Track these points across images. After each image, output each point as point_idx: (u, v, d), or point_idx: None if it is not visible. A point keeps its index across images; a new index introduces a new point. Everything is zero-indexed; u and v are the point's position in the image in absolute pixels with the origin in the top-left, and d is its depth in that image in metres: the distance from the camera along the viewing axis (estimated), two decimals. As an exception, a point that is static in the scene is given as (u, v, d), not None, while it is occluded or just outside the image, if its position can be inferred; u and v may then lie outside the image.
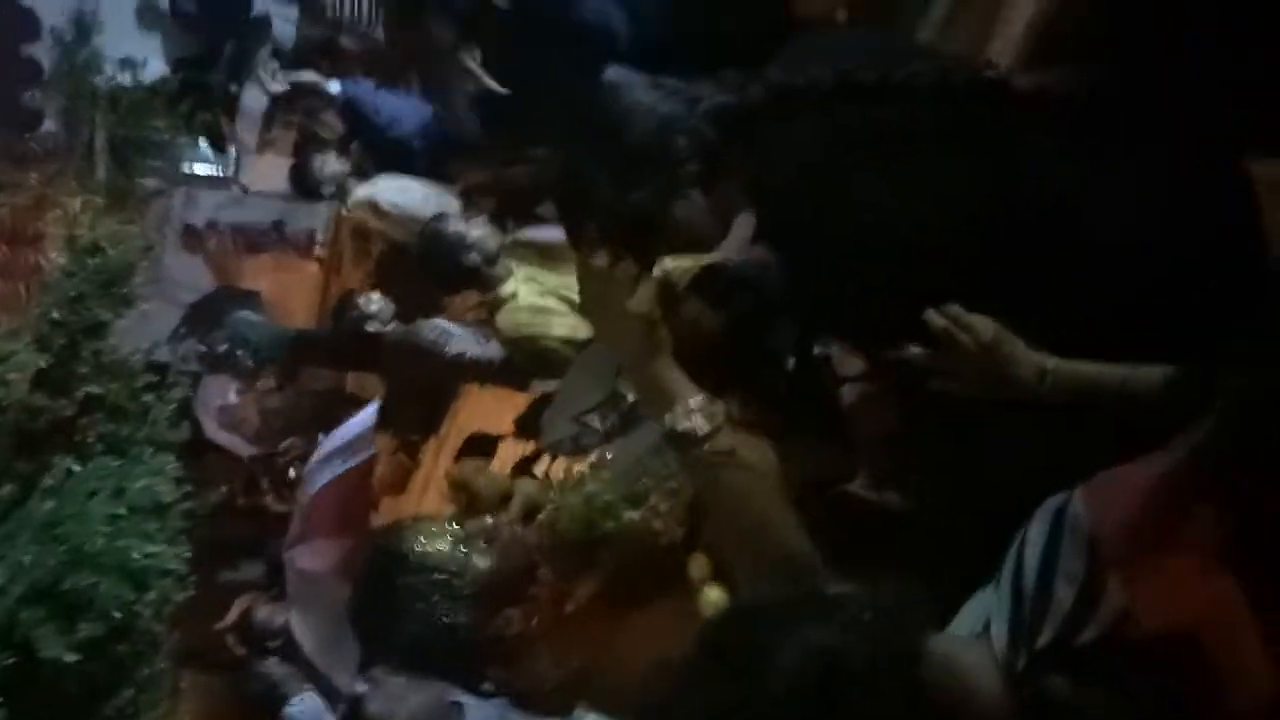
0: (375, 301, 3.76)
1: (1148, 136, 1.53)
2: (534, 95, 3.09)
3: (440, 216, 3.37)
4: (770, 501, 1.59)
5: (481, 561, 1.74)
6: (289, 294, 4.69)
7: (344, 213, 4.27)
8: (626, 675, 1.63)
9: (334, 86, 4.17)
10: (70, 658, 1.80)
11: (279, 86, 4.14)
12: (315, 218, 4.65)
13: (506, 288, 3.16)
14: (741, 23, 2.46)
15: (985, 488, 1.51)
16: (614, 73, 2.64)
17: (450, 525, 1.80)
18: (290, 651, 3.58)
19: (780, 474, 1.66)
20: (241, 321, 4.22)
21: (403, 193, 3.84)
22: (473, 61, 3.69)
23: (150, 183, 4.85)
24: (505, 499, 1.87)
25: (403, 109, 4.00)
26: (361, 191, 3.99)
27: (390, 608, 1.73)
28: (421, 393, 3.56)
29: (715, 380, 1.97)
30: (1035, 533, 1.20)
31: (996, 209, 1.56)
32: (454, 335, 3.33)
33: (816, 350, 1.90)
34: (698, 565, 1.68)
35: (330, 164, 4.23)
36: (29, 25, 5.20)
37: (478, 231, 3.22)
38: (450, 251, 3.18)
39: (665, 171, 2.24)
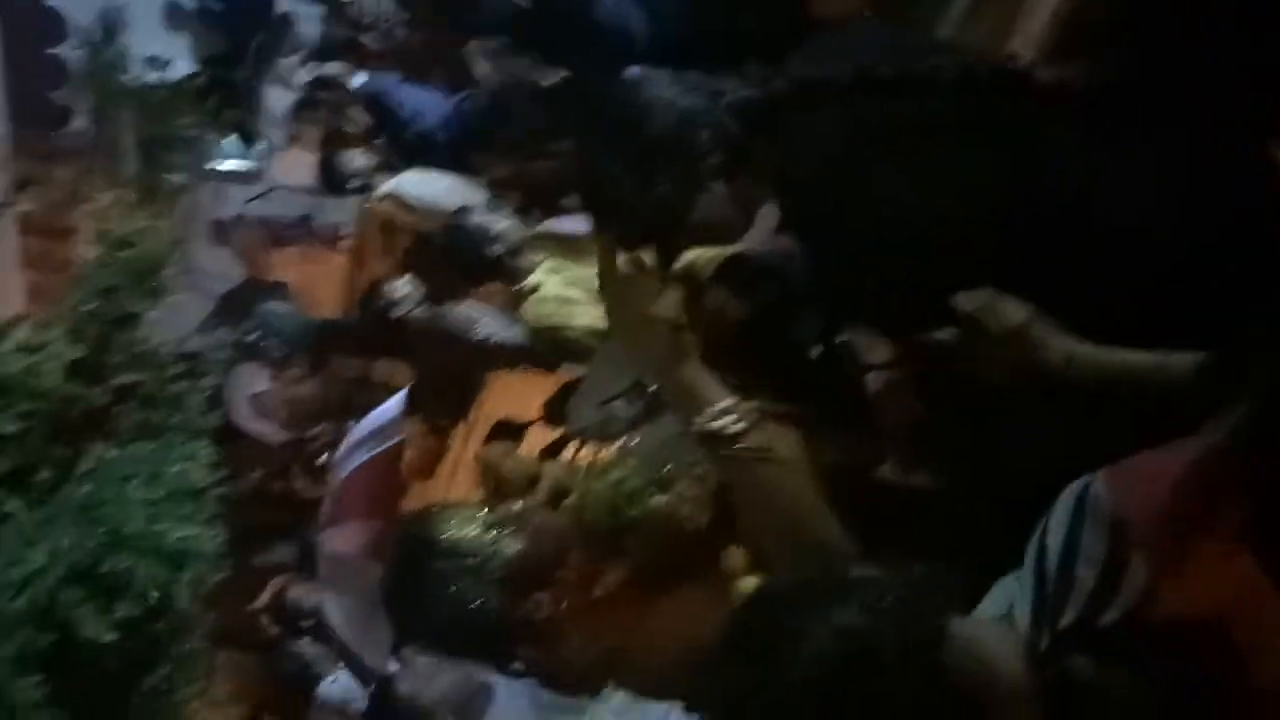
0: (403, 287, 3.79)
1: (1168, 125, 1.54)
2: (555, 90, 3.12)
3: (465, 209, 3.41)
4: (801, 493, 1.60)
5: (510, 546, 1.76)
6: (316, 285, 4.74)
7: (370, 206, 4.31)
8: (655, 657, 1.65)
9: (358, 80, 4.21)
10: (109, 637, 1.84)
11: (304, 78, 4.17)
12: (341, 211, 4.70)
13: (531, 279, 3.19)
14: (759, 22, 2.47)
15: (1010, 473, 1.52)
16: (634, 70, 2.66)
17: (479, 511, 1.82)
18: (322, 632, 3.62)
19: (809, 463, 1.68)
20: (270, 312, 4.27)
21: (428, 186, 3.87)
22: (488, 60, 3.74)
23: (178, 178, 4.90)
24: (533, 482, 1.90)
25: (426, 103, 4.03)
26: (387, 185, 4.02)
27: (421, 592, 1.75)
28: (450, 378, 3.57)
29: (740, 370, 1.99)
30: (1058, 516, 1.21)
31: (1018, 199, 1.57)
32: (481, 318, 3.35)
33: (840, 338, 1.91)
34: (735, 556, 1.70)
35: (357, 159, 4.27)
36: (56, 25, 5.27)
37: (502, 224, 3.25)
38: (475, 244, 3.21)
39: (688, 164, 2.26)
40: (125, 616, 1.88)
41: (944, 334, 1.50)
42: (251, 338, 4.14)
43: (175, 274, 2.94)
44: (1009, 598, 1.25)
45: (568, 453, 2.07)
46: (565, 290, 3.14)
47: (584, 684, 1.71)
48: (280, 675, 3.90)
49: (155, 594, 1.90)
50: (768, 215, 2.19)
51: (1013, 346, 1.46)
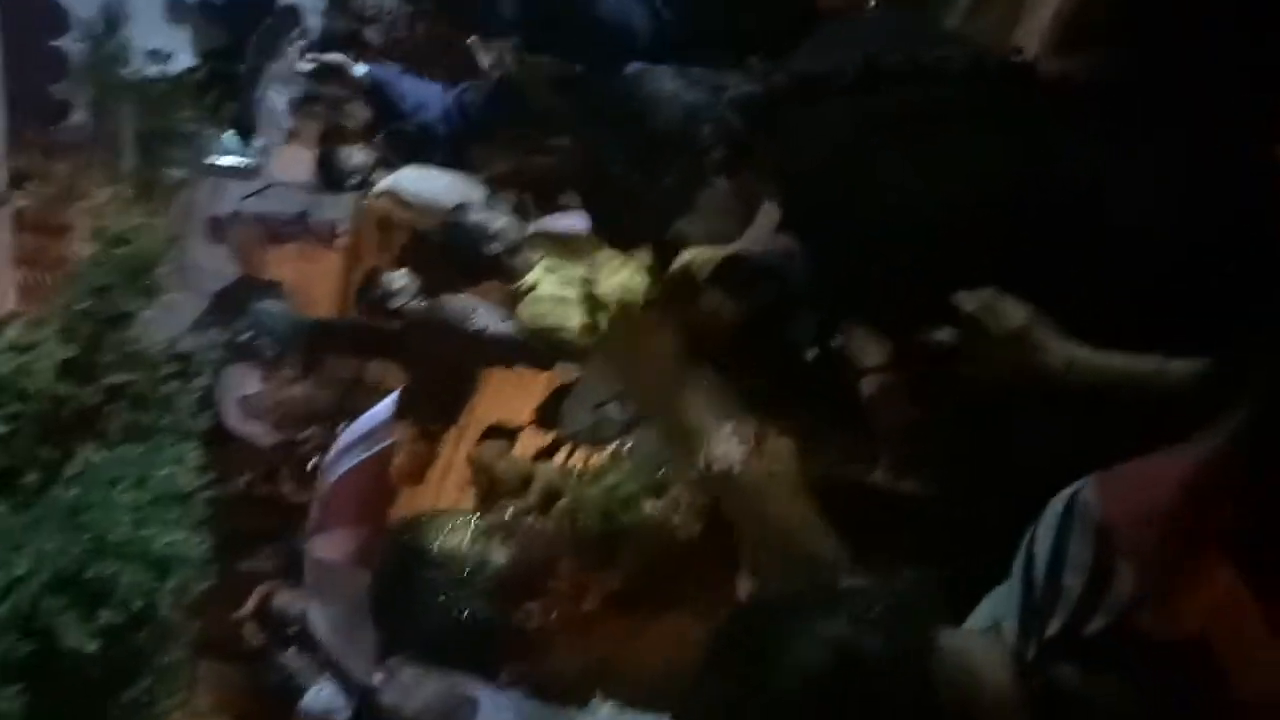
0: (399, 278, 3.78)
1: (1172, 121, 1.52)
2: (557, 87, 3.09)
3: (462, 207, 3.38)
4: (789, 504, 1.59)
5: (500, 556, 1.74)
6: (312, 283, 4.73)
7: (367, 203, 4.28)
8: (645, 668, 1.63)
9: (360, 69, 4.17)
10: (91, 646, 1.81)
11: (305, 67, 4.14)
12: (339, 208, 4.68)
13: (528, 278, 3.16)
14: (764, 16, 2.45)
15: (1005, 478, 1.51)
16: (636, 65, 2.63)
17: (470, 520, 1.79)
18: (308, 641, 3.61)
19: (799, 473, 1.66)
20: (264, 311, 4.25)
21: (426, 182, 3.84)
22: (489, 55, 3.71)
23: (176, 173, 4.88)
24: (526, 483, 1.88)
25: (427, 95, 3.99)
26: (384, 182, 4.00)
27: (410, 601, 1.74)
28: (443, 376, 3.56)
29: (735, 373, 1.97)
30: (1046, 524, 1.21)
31: (1021, 194, 1.56)
32: (477, 310, 3.33)
33: (836, 341, 1.89)
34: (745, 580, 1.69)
35: (355, 155, 4.24)
36: (58, 18, 5.25)
37: (500, 222, 3.23)
38: (472, 241, 3.19)
39: (691, 159, 2.24)
40: (108, 624, 1.84)
41: (943, 334, 1.47)
42: (244, 337, 4.12)
43: (170, 272, 2.91)
44: (998, 609, 1.24)
45: (560, 456, 2.04)
46: (561, 290, 3.11)
47: (572, 694, 1.69)
48: (264, 686, 3.89)
49: (139, 602, 1.86)
50: (767, 214, 2.16)
51: (1013, 348, 1.46)
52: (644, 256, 2.92)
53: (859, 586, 1.18)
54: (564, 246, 3.21)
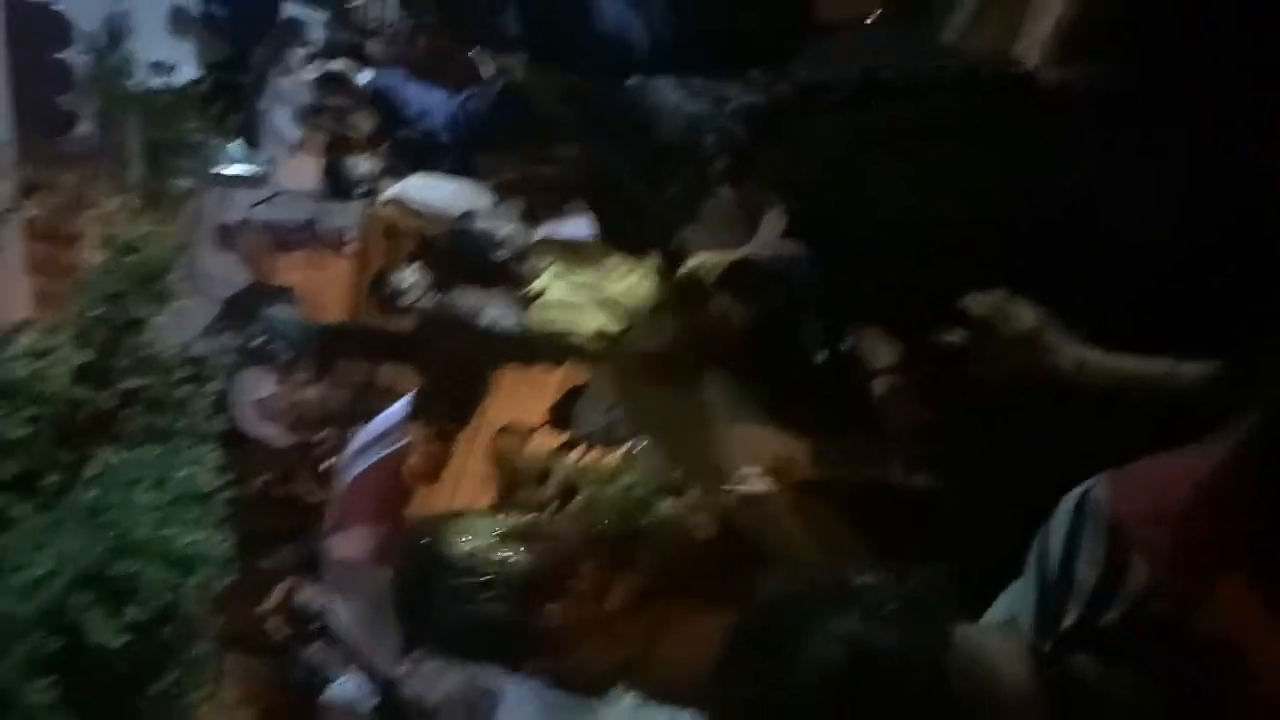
0: (410, 275, 3.80)
1: (1171, 129, 1.54)
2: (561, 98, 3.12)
3: (469, 214, 3.41)
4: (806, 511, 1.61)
5: (521, 559, 1.73)
6: (321, 290, 4.75)
7: (374, 211, 4.31)
8: (667, 666, 1.65)
9: (364, 77, 4.19)
10: (118, 641, 1.84)
11: (310, 75, 4.16)
12: (346, 216, 4.71)
13: (536, 284, 3.19)
14: (761, 28, 2.48)
15: (1015, 477, 1.52)
16: (637, 77, 2.66)
17: (490, 520, 1.78)
18: (331, 635, 3.63)
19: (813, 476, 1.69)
20: (275, 316, 4.27)
21: (432, 190, 3.87)
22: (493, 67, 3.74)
23: (183, 183, 4.91)
24: (544, 476, 1.89)
25: (431, 102, 4.01)
26: (392, 190, 4.03)
27: (431, 604, 1.74)
28: (456, 376, 3.56)
29: (745, 377, 2.00)
30: (1059, 519, 1.22)
31: (1022, 202, 1.58)
32: (488, 305, 3.33)
33: (846, 343, 1.91)
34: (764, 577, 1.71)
35: (362, 164, 4.26)
36: (63, 30, 5.27)
37: (507, 229, 3.25)
38: (480, 248, 3.21)
39: (694, 169, 2.27)
40: (134, 620, 1.88)
41: (954, 336, 1.50)
42: (257, 342, 4.15)
43: (180, 279, 2.95)
44: (1013, 604, 1.25)
45: (577, 452, 2.06)
46: (571, 295, 3.14)
47: (595, 689, 1.71)
48: (289, 679, 3.91)
49: (163, 599, 1.90)
50: (773, 220, 2.19)
51: (1024, 350, 1.47)
52: (651, 263, 2.95)
53: (873, 583, 1.18)
54: (572, 252, 3.23)
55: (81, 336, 2.65)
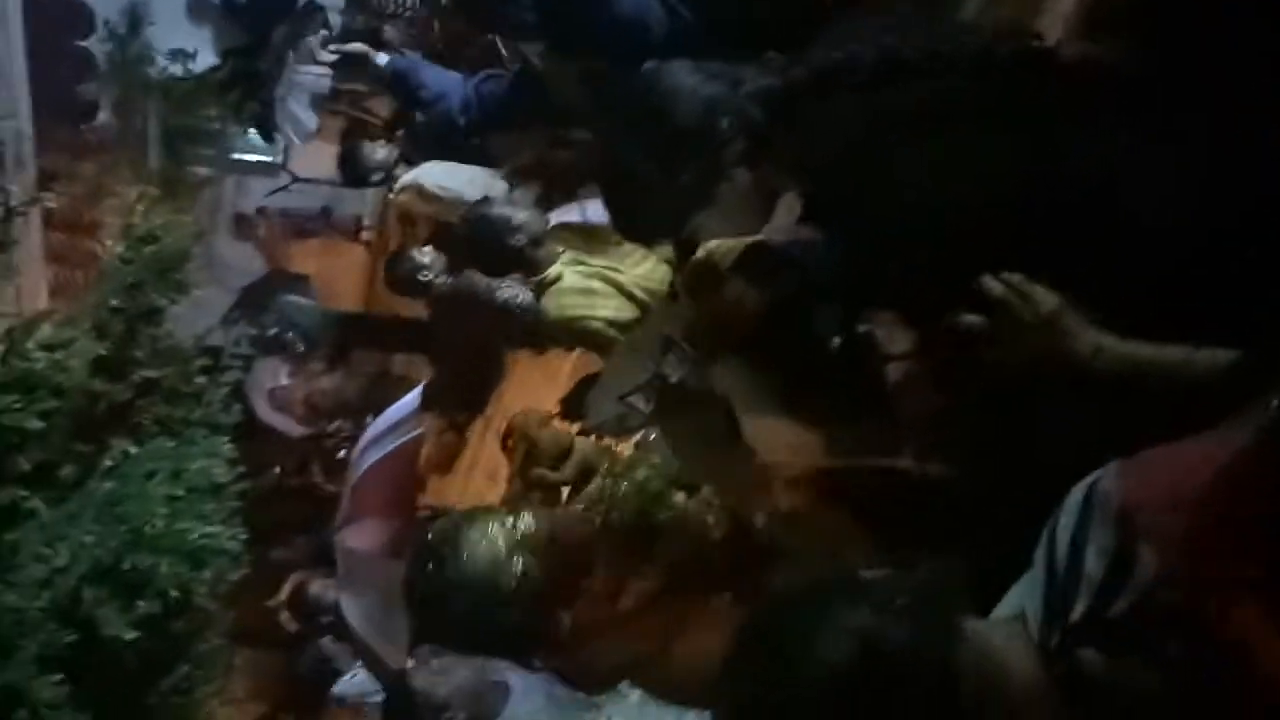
0: (428, 253, 3.79)
1: (1196, 106, 1.51)
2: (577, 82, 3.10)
3: (486, 200, 3.40)
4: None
5: (536, 564, 1.71)
6: (337, 277, 4.78)
7: (390, 198, 4.31)
8: (677, 665, 1.64)
9: (382, 59, 4.17)
10: (130, 635, 1.84)
11: (328, 57, 4.15)
12: (362, 203, 4.72)
13: (552, 270, 3.18)
14: (779, 10, 2.44)
15: (1030, 466, 1.50)
16: (654, 60, 2.64)
17: (506, 523, 1.76)
18: (341, 628, 3.65)
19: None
20: (291, 305, 4.29)
21: (448, 176, 3.86)
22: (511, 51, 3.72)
23: (202, 171, 4.93)
24: (564, 455, 1.87)
25: (448, 85, 4.00)
26: (408, 177, 4.02)
27: (442, 602, 1.73)
28: (471, 362, 3.55)
29: (759, 363, 1.98)
30: (1067, 510, 1.21)
31: (1041, 184, 1.55)
32: (504, 282, 3.30)
33: (860, 329, 1.89)
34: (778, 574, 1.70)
35: (378, 152, 4.27)
36: (83, 18, 5.29)
37: (523, 214, 3.24)
38: (496, 234, 3.20)
39: (710, 152, 2.24)
40: (146, 614, 1.88)
41: (972, 319, 1.47)
42: (272, 331, 4.16)
43: (198, 268, 2.95)
44: (1023, 597, 1.24)
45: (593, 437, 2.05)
46: (586, 281, 3.13)
47: (603, 685, 1.70)
48: (299, 672, 3.94)
49: (176, 592, 1.90)
50: (788, 205, 2.16)
51: (1042, 335, 1.45)
52: (665, 249, 2.93)
53: (883, 576, 1.19)
54: (587, 238, 3.22)
55: (99, 327, 2.65)
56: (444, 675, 1.87)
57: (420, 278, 3.78)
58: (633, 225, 3.05)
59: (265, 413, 4.13)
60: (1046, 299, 1.45)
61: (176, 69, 5.20)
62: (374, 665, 3.26)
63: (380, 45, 4.83)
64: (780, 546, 1.67)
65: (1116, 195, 1.51)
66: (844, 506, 1.72)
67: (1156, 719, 1.13)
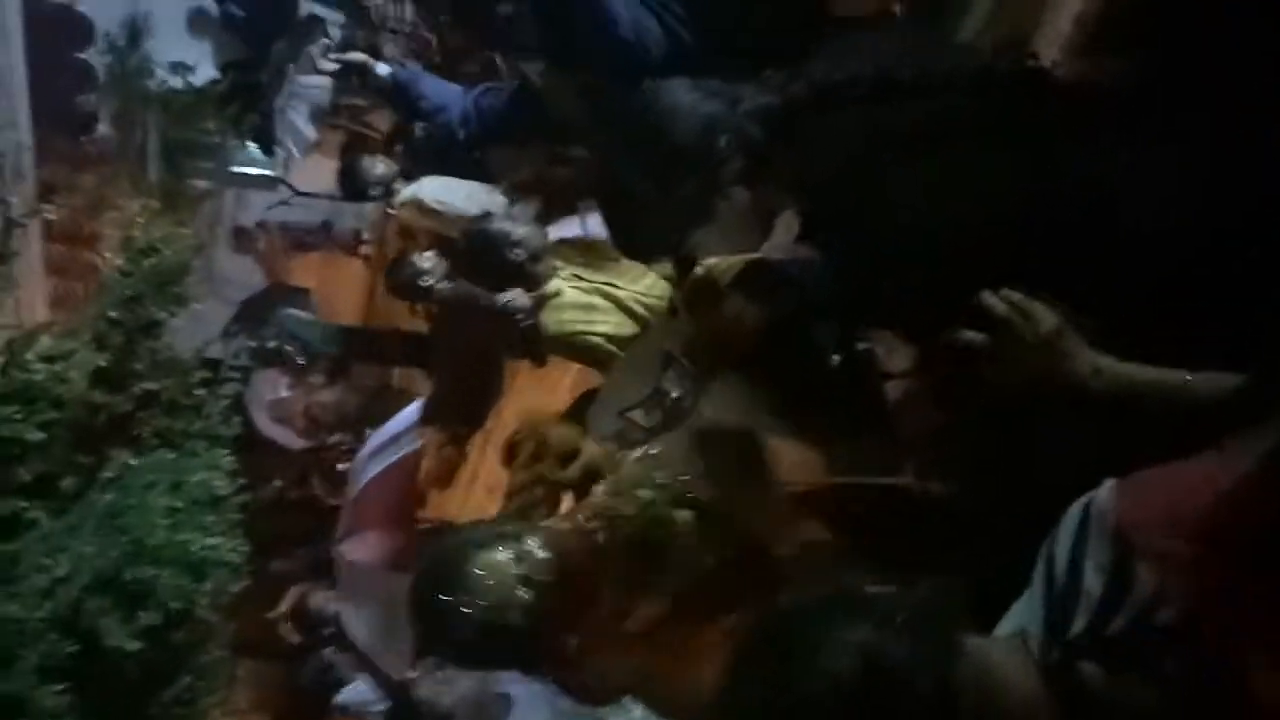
0: (429, 258, 3.81)
1: (1193, 127, 1.52)
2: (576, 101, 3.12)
3: (486, 215, 3.41)
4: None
5: (542, 595, 1.71)
6: (336, 291, 4.78)
7: (390, 212, 4.32)
8: (680, 684, 1.64)
9: (383, 69, 4.18)
10: (132, 646, 1.84)
11: (329, 66, 4.16)
12: (361, 217, 4.73)
13: (551, 285, 3.19)
14: (776, 27, 2.46)
15: (1029, 484, 1.51)
16: (652, 80, 2.66)
17: (513, 550, 1.75)
18: (343, 639, 3.65)
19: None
20: (290, 318, 4.29)
21: (448, 191, 3.88)
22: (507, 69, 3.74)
23: (201, 184, 4.94)
24: (571, 456, 1.86)
25: (448, 97, 4.01)
26: (407, 191, 4.04)
27: (447, 617, 1.74)
28: (472, 372, 3.54)
29: (759, 379, 1.99)
30: (1064, 528, 1.22)
31: (1040, 202, 1.56)
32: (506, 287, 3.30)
33: (860, 346, 1.90)
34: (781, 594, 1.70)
35: (377, 166, 4.28)
36: (83, 30, 5.30)
37: (523, 229, 3.25)
38: (496, 248, 3.21)
39: (708, 170, 2.26)
40: (147, 625, 1.88)
41: (972, 335, 1.48)
42: (272, 344, 4.16)
43: (197, 280, 2.95)
44: (1023, 615, 1.26)
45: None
46: (586, 297, 3.14)
47: (607, 700, 1.71)
48: (301, 683, 3.93)
49: (177, 603, 1.90)
50: (786, 224, 2.18)
51: (1041, 354, 1.45)
52: (664, 266, 2.95)
53: (885, 593, 1.19)
54: (587, 253, 3.24)
55: (99, 339, 2.66)
56: (448, 686, 1.87)
57: (421, 283, 3.80)
58: (631, 243, 3.06)
59: (265, 425, 4.14)
60: (1047, 318, 1.45)
61: (176, 82, 5.21)
62: (376, 677, 3.25)
63: (379, 59, 4.85)
64: (786, 568, 1.67)
65: (1115, 212, 1.52)
66: (844, 524, 1.73)
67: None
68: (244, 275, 4.87)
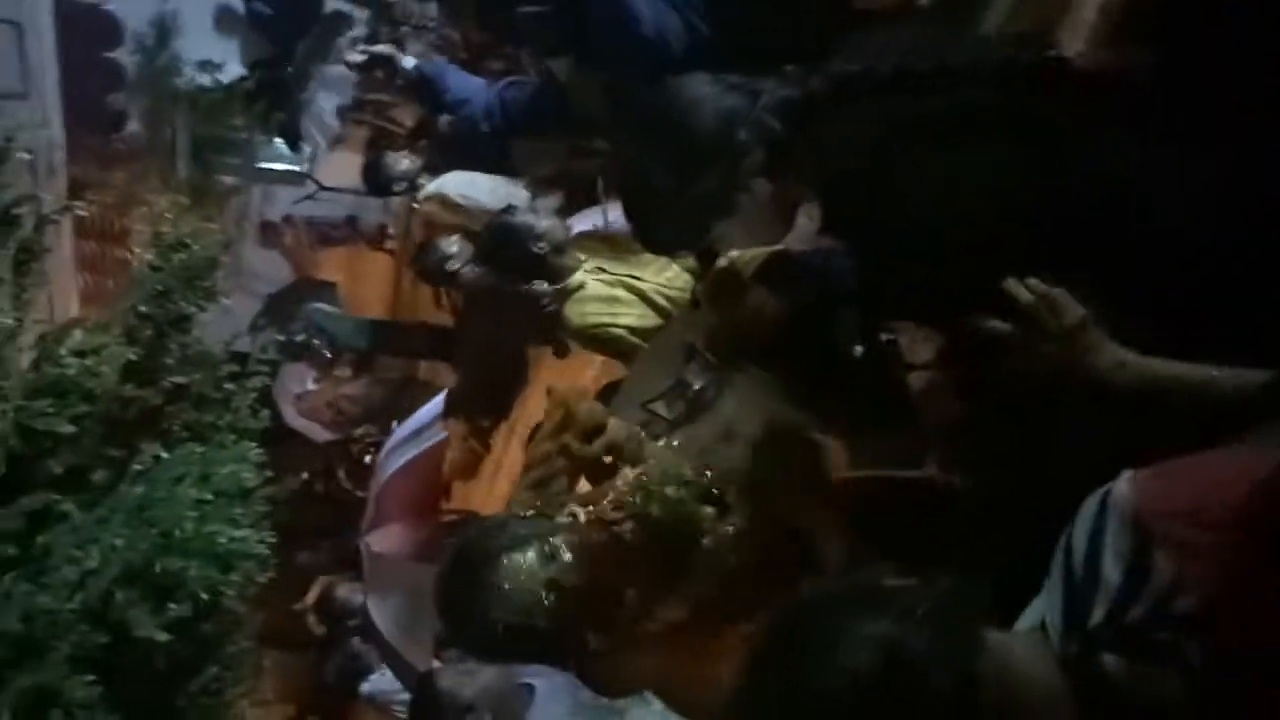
0: (455, 242, 3.83)
1: (1215, 122, 1.50)
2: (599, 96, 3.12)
3: (509, 208, 3.43)
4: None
5: (568, 582, 1.72)
6: (362, 285, 4.81)
7: (414, 207, 4.34)
8: (701, 685, 1.65)
9: (409, 62, 4.21)
10: (161, 637, 1.86)
11: (357, 58, 4.20)
12: (386, 212, 4.76)
13: (574, 278, 3.20)
14: (800, 27, 2.46)
15: (1051, 477, 1.51)
16: (674, 74, 2.66)
17: (541, 545, 1.76)
18: (369, 630, 3.69)
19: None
20: (317, 311, 4.32)
21: (471, 186, 3.90)
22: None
23: (229, 180, 4.99)
24: (596, 431, 1.87)
25: (472, 90, 4.03)
26: (431, 186, 4.06)
27: (473, 610, 1.75)
28: (495, 362, 3.56)
29: (782, 370, 1.99)
30: (1082, 518, 1.22)
31: (1061, 194, 1.55)
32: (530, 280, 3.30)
33: (884, 337, 1.90)
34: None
35: (402, 162, 4.30)
36: (113, 31, 5.37)
37: (546, 222, 3.27)
38: (519, 242, 3.23)
39: (729, 163, 2.26)
40: (176, 617, 1.90)
41: (997, 324, 1.47)
42: (299, 338, 4.20)
43: (225, 275, 2.97)
44: (1043, 608, 1.25)
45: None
46: (609, 289, 3.15)
47: (627, 693, 1.72)
48: (326, 673, 3.97)
49: (205, 595, 1.92)
50: (809, 214, 2.18)
51: (1064, 345, 1.45)
52: (686, 258, 2.95)
53: (906, 585, 1.19)
54: (609, 245, 3.24)
55: (129, 334, 2.68)
56: (470, 677, 1.89)
57: (448, 267, 3.83)
58: (653, 236, 3.06)
59: (292, 418, 4.18)
60: (1072, 309, 1.44)
61: (204, 80, 5.26)
62: (400, 667, 3.28)
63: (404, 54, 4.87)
64: (809, 565, 1.68)
65: (1138, 205, 1.51)
66: (866, 516, 1.73)
67: (1176, 725, 1.13)
68: (271, 270, 4.92)
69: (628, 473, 1.78)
